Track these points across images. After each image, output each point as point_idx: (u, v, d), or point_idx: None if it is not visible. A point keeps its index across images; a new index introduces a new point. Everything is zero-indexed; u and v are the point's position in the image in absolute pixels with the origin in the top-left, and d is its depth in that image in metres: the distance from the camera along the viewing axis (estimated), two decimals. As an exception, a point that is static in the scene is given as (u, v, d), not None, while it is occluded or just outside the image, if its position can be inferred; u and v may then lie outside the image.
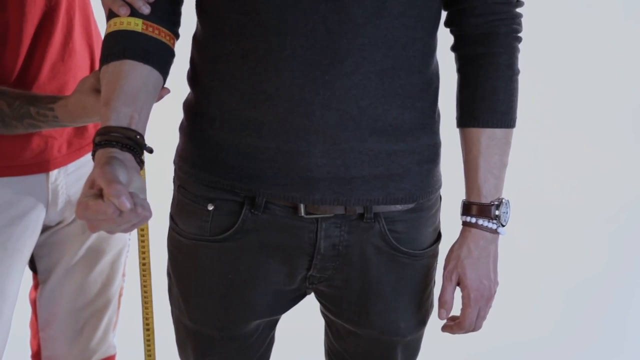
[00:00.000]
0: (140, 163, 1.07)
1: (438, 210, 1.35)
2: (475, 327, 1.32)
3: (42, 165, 1.52)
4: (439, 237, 1.36)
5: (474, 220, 1.28)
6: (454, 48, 1.29)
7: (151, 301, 1.71)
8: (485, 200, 1.27)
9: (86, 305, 1.66)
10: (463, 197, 1.30)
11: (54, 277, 1.64)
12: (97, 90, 1.31)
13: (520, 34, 1.26)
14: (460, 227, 1.30)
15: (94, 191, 0.97)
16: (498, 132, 1.25)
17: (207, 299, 1.33)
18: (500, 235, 1.29)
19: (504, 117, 1.25)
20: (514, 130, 1.27)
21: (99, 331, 1.70)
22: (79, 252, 1.63)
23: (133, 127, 1.08)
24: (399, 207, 1.26)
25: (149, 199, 1.03)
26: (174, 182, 1.34)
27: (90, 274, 1.65)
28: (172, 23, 1.22)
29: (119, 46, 1.16)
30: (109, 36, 1.18)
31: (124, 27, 1.17)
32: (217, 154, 1.24)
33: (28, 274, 1.65)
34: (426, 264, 1.33)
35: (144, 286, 1.70)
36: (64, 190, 1.56)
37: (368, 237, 1.27)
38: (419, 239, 1.31)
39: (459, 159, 1.30)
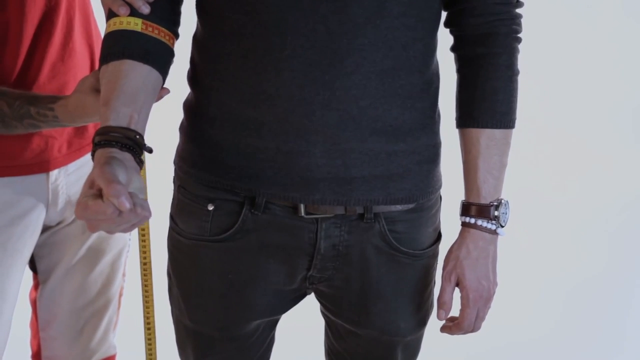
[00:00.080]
0: (140, 163, 1.07)
1: (438, 210, 1.35)
2: (474, 328, 1.32)
3: (42, 165, 1.52)
4: (439, 237, 1.36)
5: (473, 220, 1.28)
6: (453, 48, 1.29)
7: (152, 301, 1.71)
8: (484, 200, 1.27)
9: (86, 305, 1.66)
10: (463, 197, 1.30)
11: (54, 277, 1.64)
12: (96, 90, 1.31)
13: (520, 35, 1.26)
14: (460, 227, 1.30)
15: (94, 191, 0.97)
16: (497, 132, 1.25)
17: (207, 299, 1.33)
18: (499, 236, 1.29)
19: (504, 117, 1.25)
20: (514, 130, 1.27)
21: (99, 331, 1.70)
22: (79, 252, 1.63)
23: (132, 127, 1.08)
24: (399, 207, 1.26)
25: (149, 199, 1.03)
26: (174, 182, 1.34)
27: (91, 274, 1.65)
28: (172, 23, 1.22)
29: (118, 46, 1.16)
30: (109, 36, 1.18)
31: (124, 26, 1.17)
32: (217, 154, 1.24)
33: (28, 274, 1.65)
34: (426, 264, 1.34)
35: (145, 286, 1.70)
36: (64, 190, 1.57)
37: (368, 237, 1.27)
38: (419, 239, 1.31)
39: (459, 159, 1.30)
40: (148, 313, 1.72)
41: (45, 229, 1.60)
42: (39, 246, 1.61)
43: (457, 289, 1.31)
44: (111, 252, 1.67)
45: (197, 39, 1.26)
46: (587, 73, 2.91)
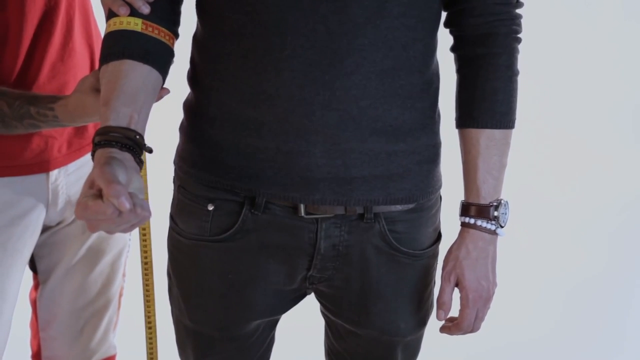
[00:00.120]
0: (140, 163, 1.07)
1: (438, 210, 1.35)
2: (473, 328, 1.32)
3: (42, 165, 1.52)
4: (439, 237, 1.36)
5: (472, 221, 1.27)
6: (453, 49, 1.29)
7: (153, 300, 1.71)
8: (484, 201, 1.27)
9: (86, 305, 1.66)
10: (463, 197, 1.30)
11: (54, 277, 1.64)
12: (96, 90, 1.31)
13: (519, 35, 1.26)
14: (460, 227, 1.30)
15: (94, 191, 0.97)
16: (497, 132, 1.25)
17: (207, 299, 1.33)
18: (499, 236, 1.29)
19: (503, 117, 1.25)
20: (514, 130, 1.27)
21: (99, 331, 1.70)
22: (79, 252, 1.63)
23: (132, 127, 1.08)
24: (399, 207, 1.26)
25: (149, 199, 1.03)
26: (174, 182, 1.34)
27: (91, 274, 1.65)
28: (172, 23, 1.22)
29: (118, 46, 1.16)
30: (109, 36, 1.18)
31: (124, 26, 1.17)
32: (217, 154, 1.24)
33: (28, 274, 1.65)
34: (426, 264, 1.34)
35: (146, 285, 1.70)
36: (64, 190, 1.57)
37: (368, 237, 1.27)
38: (419, 239, 1.31)
39: (459, 159, 1.30)
40: (149, 313, 1.72)
41: (45, 229, 1.60)
42: (39, 246, 1.61)
43: (456, 289, 1.31)
44: (111, 252, 1.67)
45: (197, 39, 1.26)
46: (587, 73, 2.91)
